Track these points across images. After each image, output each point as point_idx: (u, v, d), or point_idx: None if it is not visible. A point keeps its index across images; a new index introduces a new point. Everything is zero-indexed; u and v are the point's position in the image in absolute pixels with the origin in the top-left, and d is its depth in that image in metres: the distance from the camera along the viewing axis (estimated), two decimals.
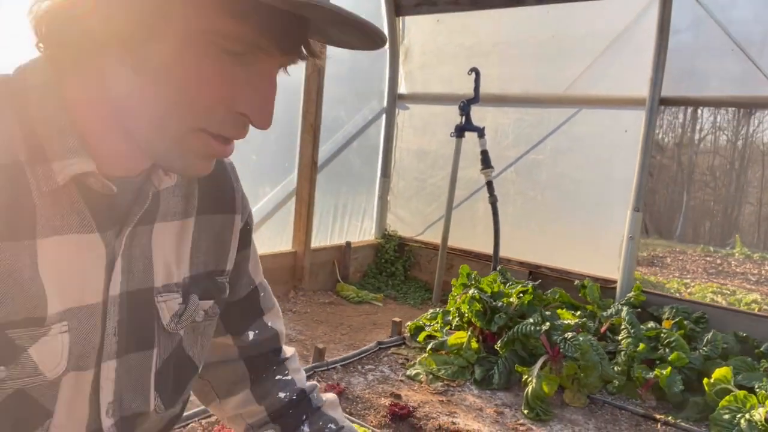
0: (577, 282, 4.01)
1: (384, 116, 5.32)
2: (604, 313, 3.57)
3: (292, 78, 0.70)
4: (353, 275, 5.07)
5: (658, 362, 3.08)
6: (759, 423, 2.48)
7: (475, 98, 4.59)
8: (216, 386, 1.17)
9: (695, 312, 3.65)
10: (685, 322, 3.42)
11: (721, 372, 2.75)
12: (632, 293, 3.78)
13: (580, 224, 4.41)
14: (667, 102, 3.95)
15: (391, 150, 5.42)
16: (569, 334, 2.95)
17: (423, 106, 5.23)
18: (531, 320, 3.10)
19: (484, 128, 4.55)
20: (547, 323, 3.04)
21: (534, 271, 4.51)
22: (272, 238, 4.48)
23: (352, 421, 2.40)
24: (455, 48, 4.95)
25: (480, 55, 4.76)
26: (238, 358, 1.17)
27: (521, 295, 3.27)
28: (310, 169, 4.43)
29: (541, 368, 2.94)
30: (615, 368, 3.11)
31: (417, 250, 5.26)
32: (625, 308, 3.42)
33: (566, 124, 4.43)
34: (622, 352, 3.16)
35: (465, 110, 4.64)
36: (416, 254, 5.27)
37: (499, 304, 3.30)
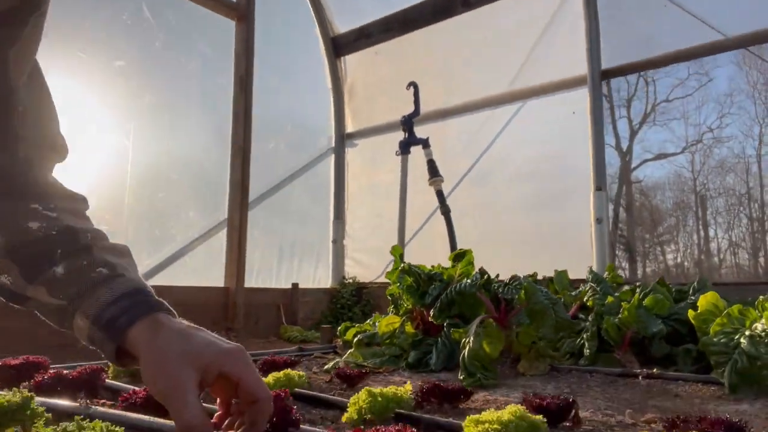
0: (544, 277, 3.41)
1: (332, 156, 5.07)
2: (572, 293, 2.94)
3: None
4: (303, 322, 4.44)
5: None
6: (763, 334, 1.81)
7: (416, 111, 4.35)
8: None
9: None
10: (670, 284, 2.78)
11: (707, 298, 2.11)
12: (607, 274, 3.16)
13: (547, 225, 3.90)
14: (609, 74, 3.67)
15: (342, 191, 5.08)
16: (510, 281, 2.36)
17: (371, 139, 5.00)
18: (468, 280, 2.51)
19: (428, 138, 4.25)
20: (486, 276, 2.45)
21: None
22: (199, 271, 3.97)
23: None
24: (396, 74, 4.83)
25: (420, 74, 4.59)
26: None
27: (457, 261, 2.70)
28: (240, 194, 4.05)
29: (481, 325, 2.29)
30: (584, 335, 2.44)
31: (377, 291, 4.67)
32: (592, 275, 2.81)
33: (513, 121, 4.12)
34: (590, 315, 2.51)
35: (407, 124, 4.38)
36: (376, 296, 4.67)
37: (435, 273, 2.72)
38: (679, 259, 3.84)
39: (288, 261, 4.64)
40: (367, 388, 1.34)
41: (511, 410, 1.13)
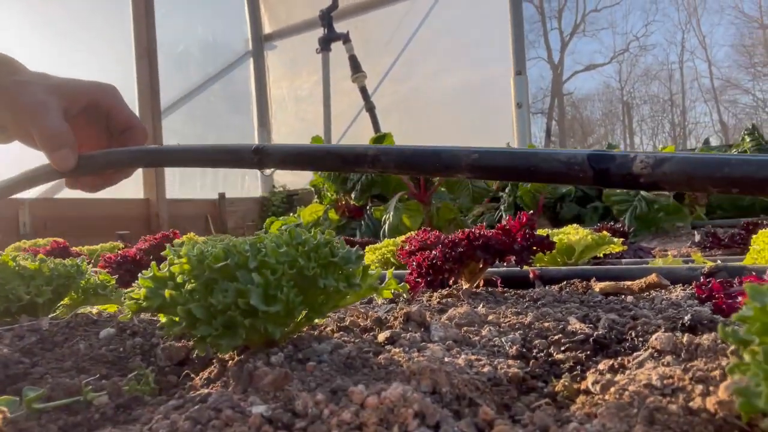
0: None
1: (251, 61, 4.82)
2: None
3: None
4: (233, 231, 4.36)
5: None
6: None
7: (334, 4, 4.14)
8: None
9: None
10: None
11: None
12: None
13: (471, 114, 3.91)
14: None
15: (266, 97, 4.87)
16: None
17: (290, 39, 4.76)
18: None
19: (348, 33, 4.08)
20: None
21: None
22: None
23: None
24: None
25: None
26: None
27: (378, 143, 2.65)
28: (150, 99, 3.80)
29: (400, 201, 2.30)
30: (502, 207, 2.50)
31: (308, 197, 4.62)
32: None
33: (433, 11, 4.00)
34: (506, 189, 2.56)
35: (326, 20, 4.18)
36: (308, 202, 4.62)
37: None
38: None
39: (212, 171, 4.48)
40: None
41: (407, 234, 1.14)
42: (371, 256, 1.19)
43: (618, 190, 2.13)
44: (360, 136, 4.45)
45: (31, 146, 0.74)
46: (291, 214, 4.52)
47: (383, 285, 0.48)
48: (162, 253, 0.47)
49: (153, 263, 0.44)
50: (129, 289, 0.44)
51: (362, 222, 2.56)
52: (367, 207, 2.57)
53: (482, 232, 0.70)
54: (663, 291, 0.70)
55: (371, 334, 0.53)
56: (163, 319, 0.43)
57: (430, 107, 4.11)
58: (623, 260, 1.07)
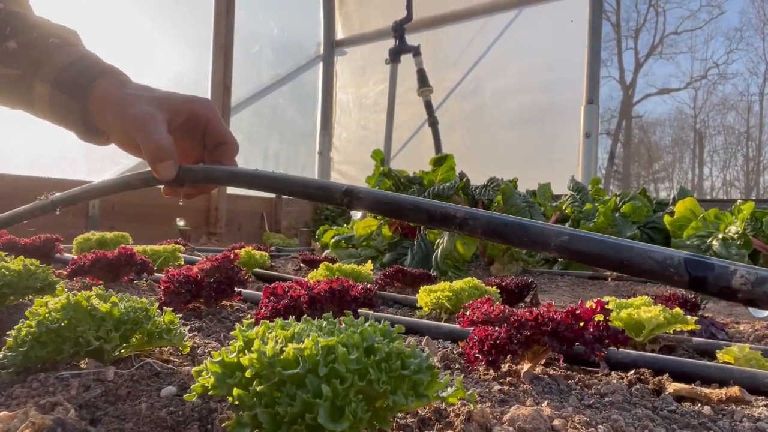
0: (526, 190, 3.38)
1: (321, 65, 4.88)
2: (553, 204, 2.91)
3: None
4: (286, 231, 4.44)
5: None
6: (735, 236, 1.79)
7: (408, 16, 4.15)
8: None
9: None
10: (653, 197, 2.75)
11: (685, 204, 2.07)
12: (590, 187, 3.12)
13: (536, 139, 3.82)
14: None
15: (331, 102, 4.93)
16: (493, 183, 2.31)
17: (361, 47, 4.80)
18: (448, 184, 2.46)
19: (419, 46, 4.08)
20: (465, 179, 2.40)
21: None
22: None
23: None
24: None
25: None
26: None
27: (438, 165, 2.64)
28: (222, 94, 3.92)
29: None
30: None
31: None
32: (573, 184, 2.77)
33: (508, 30, 3.94)
34: (567, 223, 2.48)
35: (399, 31, 4.19)
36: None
37: (415, 177, 2.67)
38: (671, 197, 3.83)
39: (272, 170, 4.57)
40: (325, 263, 1.32)
41: (465, 281, 1.11)
42: (426, 297, 1.16)
43: (687, 242, 2.02)
44: (420, 150, 4.44)
45: (132, 153, 0.78)
46: (344, 224, 4.56)
47: (451, 392, 0.46)
48: (231, 333, 0.46)
49: (223, 350, 0.44)
50: (196, 368, 0.44)
51: (414, 242, 2.54)
52: (421, 227, 2.55)
53: (552, 315, 0.67)
54: (744, 405, 0.65)
55: None
56: (230, 399, 0.42)
57: (494, 127, 4.05)
58: (694, 339, 1.00)
